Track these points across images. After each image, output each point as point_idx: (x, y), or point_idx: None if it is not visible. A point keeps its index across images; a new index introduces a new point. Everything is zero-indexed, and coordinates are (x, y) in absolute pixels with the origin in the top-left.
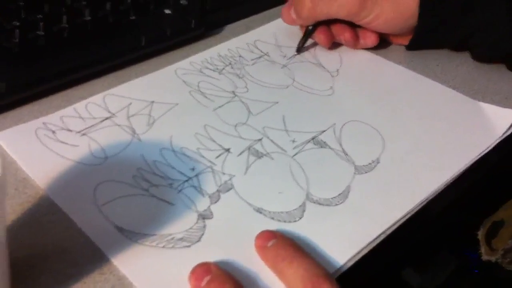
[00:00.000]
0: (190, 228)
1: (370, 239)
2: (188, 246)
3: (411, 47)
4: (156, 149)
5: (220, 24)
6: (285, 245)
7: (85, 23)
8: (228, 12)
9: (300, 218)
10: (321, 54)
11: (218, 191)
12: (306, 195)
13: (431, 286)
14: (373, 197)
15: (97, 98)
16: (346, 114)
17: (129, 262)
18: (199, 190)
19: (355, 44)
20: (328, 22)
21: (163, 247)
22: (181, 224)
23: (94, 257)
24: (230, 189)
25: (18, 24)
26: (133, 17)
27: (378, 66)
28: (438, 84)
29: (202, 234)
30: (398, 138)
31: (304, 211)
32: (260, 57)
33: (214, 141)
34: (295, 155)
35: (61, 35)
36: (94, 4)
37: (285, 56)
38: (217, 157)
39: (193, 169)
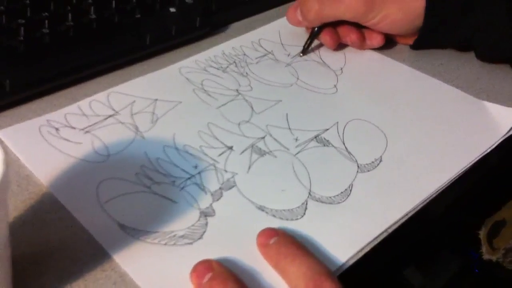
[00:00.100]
0: (192, 226)
1: (372, 237)
2: (190, 244)
3: (415, 46)
4: (159, 146)
5: (224, 23)
6: (287, 243)
7: (90, 21)
8: (232, 11)
9: (302, 216)
10: (325, 52)
11: (220, 188)
12: (308, 193)
13: (432, 286)
14: (375, 196)
15: (101, 96)
16: (350, 113)
17: (131, 259)
18: (201, 187)
19: (361, 45)
20: (334, 24)
21: (165, 244)
22: (183, 222)
23: (96, 254)
24: (233, 186)
25: (23, 22)
26: (138, 16)
27: (382, 65)
28: (442, 83)
29: (204, 232)
30: (401, 136)
31: (306, 209)
32: (264, 55)
33: (217, 139)
34: (298, 153)
35: (66, 33)
36: (99, 3)
37: (289, 55)
38: (220, 155)
39: (195, 167)
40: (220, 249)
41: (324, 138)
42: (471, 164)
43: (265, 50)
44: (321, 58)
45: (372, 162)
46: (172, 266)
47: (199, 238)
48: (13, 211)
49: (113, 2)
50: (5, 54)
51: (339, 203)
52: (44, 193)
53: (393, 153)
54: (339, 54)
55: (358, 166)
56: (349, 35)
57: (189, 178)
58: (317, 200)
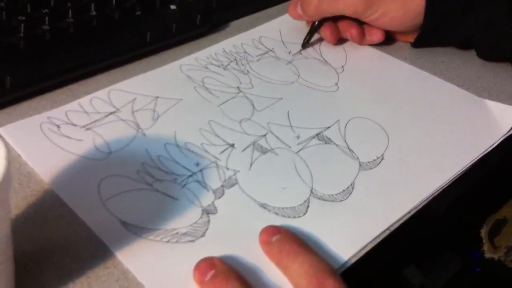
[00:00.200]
0: (195, 223)
1: (374, 235)
2: (192, 241)
3: (416, 44)
4: (161, 144)
5: (225, 20)
6: (289, 241)
7: (91, 19)
8: (233, 9)
9: (304, 214)
10: (326, 50)
11: (222, 186)
12: (310, 191)
13: (433, 285)
14: (377, 194)
15: (102, 93)
16: (351, 111)
17: (133, 257)
18: (203, 185)
19: (361, 40)
20: (335, 18)
21: (167, 241)
22: (185, 219)
23: (98, 252)
24: (235, 184)
25: (23, 19)
26: (139, 13)
27: (383, 63)
28: (443, 82)
29: (206, 229)
30: (403, 135)
31: (308, 207)
32: (265, 53)
33: (218, 136)
34: (299, 151)
35: (67, 31)
36: (99, 0)
37: (290, 52)
38: (222, 152)
39: (197, 164)
40: (222, 247)
41: (326, 136)
42: (472, 162)
43: (266, 47)
44: (322, 56)
45: (374, 160)
46: (174, 263)
47: (201, 236)
48: (15, 208)
49: None
50: (6, 51)
51: (341, 201)
52: (45, 190)
53: (395, 151)
54: (340, 52)
55: (360, 164)
56: (349, 30)
57: (190, 176)
58: (319, 198)
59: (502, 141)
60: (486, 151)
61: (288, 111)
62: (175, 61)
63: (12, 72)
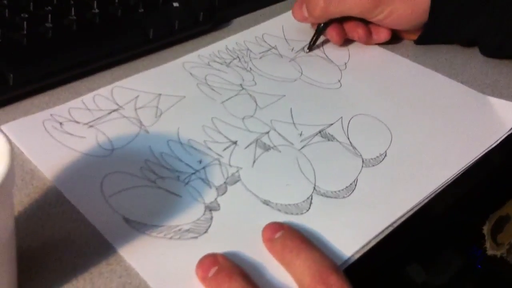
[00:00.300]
0: (198, 220)
1: (377, 232)
2: (195, 238)
3: (419, 42)
4: (164, 141)
5: (228, 18)
6: (292, 237)
7: (94, 16)
8: (236, 6)
9: (307, 210)
10: (329, 47)
11: (225, 183)
12: (313, 187)
13: (436, 282)
14: (380, 191)
15: (104, 90)
16: (354, 108)
17: (136, 253)
18: (206, 182)
19: (368, 40)
20: (340, 19)
21: (170, 238)
22: (188, 216)
23: (101, 248)
24: (237, 181)
25: (26, 16)
26: (142, 11)
27: (386, 59)
28: (446, 78)
29: (209, 226)
30: (406, 131)
31: (311, 203)
32: (268, 50)
33: (221, 133)
34: (302, 148)
35: (69, 28)
36: None
37: (293, 50)
38: (224, 149)
39: (200, 162)
40: (226, 243)
41: (329, 133)
42: (476, 159)
43: (269, 45)
44: (325, 53)
45: (377, 157)
46: (177, 260)
47: (205, 232)
48: (18, 205)
49: None
50: (9, 48)
51: (344, 197)
52: (48, 187)
53: (398, 148)
54: (343, 49)
55: (363, 161)
56: (356, 30)
57: (193, 173)
58: (322, 195)
59: (506, 138)
60: (490, 148)
61: (291, 108)
62: (178, 59)
63: (15, 70)
